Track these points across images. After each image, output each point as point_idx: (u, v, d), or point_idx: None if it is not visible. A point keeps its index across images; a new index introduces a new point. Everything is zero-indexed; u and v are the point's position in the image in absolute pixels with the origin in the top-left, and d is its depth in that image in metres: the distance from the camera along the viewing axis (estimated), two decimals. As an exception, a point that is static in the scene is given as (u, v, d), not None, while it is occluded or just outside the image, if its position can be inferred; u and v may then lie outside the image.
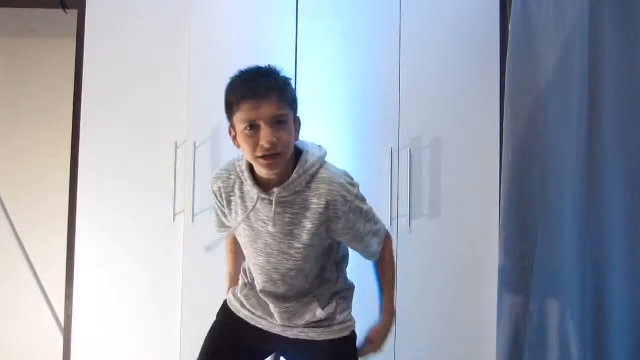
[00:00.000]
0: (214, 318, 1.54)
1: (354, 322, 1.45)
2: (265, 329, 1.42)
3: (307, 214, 1.20)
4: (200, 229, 2.06)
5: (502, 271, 1.96)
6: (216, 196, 1.33)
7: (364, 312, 1.52)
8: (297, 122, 1.22)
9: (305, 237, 1.22)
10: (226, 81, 1.89)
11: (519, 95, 1.99)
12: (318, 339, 1.39)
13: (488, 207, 2.06)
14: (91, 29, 2.16)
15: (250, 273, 1.43)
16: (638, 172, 1.91)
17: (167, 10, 2.16)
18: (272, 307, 1.38)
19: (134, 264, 2.10)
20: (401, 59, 2.10)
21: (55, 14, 2.52)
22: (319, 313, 1.36)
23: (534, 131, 2.00)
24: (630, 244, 1.89)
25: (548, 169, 1.98)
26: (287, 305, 1.36)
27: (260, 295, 1.38)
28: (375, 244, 1.38)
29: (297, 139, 1.23)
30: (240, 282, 1.49)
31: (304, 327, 1.39)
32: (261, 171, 1.18)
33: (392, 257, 1.47)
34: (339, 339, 1.40)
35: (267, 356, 1.54)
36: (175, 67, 2.14)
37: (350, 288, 1.48)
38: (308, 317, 1.38)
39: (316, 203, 1.20)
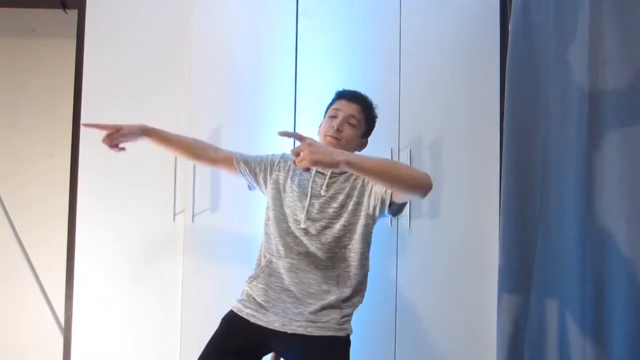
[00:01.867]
0: (214, 319, 1.56)
1: (351, 328, 1.54)
2: (264, 325, 1.48)
3: (347, 184, 1.55)
4: (200, 229, 2.06)
5: (502, 271, 1.96)
6: (282, 159, 1.65)
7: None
8: (364, 141, 1.65)
9: (341, 197, 1.52)
10: (226, 81, 1.96)
11: (518, 95, 2.00)
12: (315, 334, 1.45)
13: (488, 207, 2.06)
14: (91, 29, 2.16)
15: (269, 253, 1.55)
16: (638, 172, 1.91)
17: (168, 9, 2.17)
18: (287, 278, 1.49)
19: (133, 264, 2.10)
20: (401, 59, 2.10)
21: (55, 14, 2.52)
22: (337, 293, 1.48)
23: (534, 131, 2.00)
24: (630, 243, 1.89)
25: (548, 168, 1.99)
26: (308, 273, 1.49)
27: (285, 261, 1.50)
28: None
29: (357, 149, 1.62)
30: (246, 283, 1.57)
31: (304, 322, 1.46)
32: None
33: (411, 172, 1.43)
34: (334, 338, 1.47)
35: (262, 356, 1.56)
36: (176, 67, 2.15)
37: (360, 300, 1.58)
38: (322, 292, 1.48)
39: (358, 179, 1.54)
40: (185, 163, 2.08)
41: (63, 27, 2.52)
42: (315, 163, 1.22)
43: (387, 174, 1.32)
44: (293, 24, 2.12)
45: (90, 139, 2.14)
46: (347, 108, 1.57)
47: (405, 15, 2.11)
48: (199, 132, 2.09)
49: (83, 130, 2.15)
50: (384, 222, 2.05)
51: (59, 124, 2.54)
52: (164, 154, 2.10)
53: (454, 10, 2.11)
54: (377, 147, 2.08)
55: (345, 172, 1.54)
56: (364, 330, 2.03)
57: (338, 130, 1.53)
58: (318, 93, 2.07)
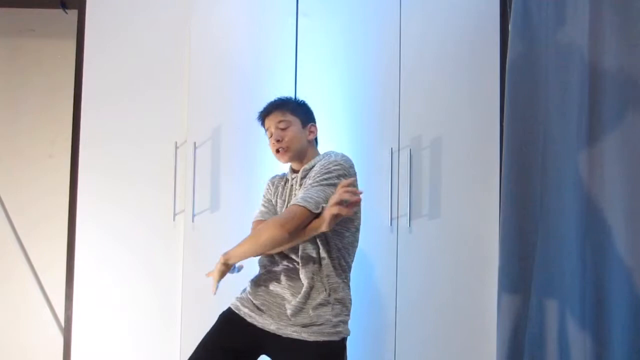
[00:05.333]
0: (214, 319, 1.56)
1: (347, 330, 1.52)
2: (260, 326, 1.49)
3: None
4: (200, 229, 2.07)
5: (502, 271, 1.96)
6: (271, 184, 1.71)
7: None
8: (310, 128, 1.65)
9: None
10: (226, 81, 1.97)
11: (518, 95, 2.00)
12: (309, 340, 1.45)
13: (488, 207, 2.06)
14: (91, 29, 2.16)
15: (266, 259, 1.59)
16: (638, 171, 1.91)
17: (168, 10, 2.17)
18: (283, 279, 1.52)
19: (134, 264, 2.10)
20: (401, 59, 2.10)
21: (55, 14, 2.53)
22: (323, 287, 1.49)
23: (533, 131, 2.00)
24: (630, 243, 1.89)
25: (548, 168, 1.99)
26: (299, 273, 1.50)
27: (280, 266, 1.54)
28: (312, 193, 1.45)
29: (310, 138, 1.64)
30: (248, 284, 1.59)
31: (298, 326, 1.46)
32: (280, 160, 1.64)
33: (287, 224, 1.43)
34: (328, 343, 1.46)
35: (256, 358, 1.55)
36: (176, 67, 2.15)
37: (348, 294, 1.56)
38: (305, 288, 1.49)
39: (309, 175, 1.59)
40: (185, 163, 2.08)
41: (63, 27, 2.53)
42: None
43: (258, 246, 1.46)
44: (293, 24, 2.12)
45: (90, 139, 2.15)
46: (271, 121, 1.63)
47: (405, 15, 2.11)
48: (199, 132, 2.09)
49: (83, 130, 2.15)
50: (384, 222, 2.05)
51: (59, 124, 2.54)
52: (164, 155, 2.11)
53: (454, 10, 2.11)
54: (377, 147, 2.09)
55: (314, 167, 1.57)
56: (364, 330, 2.03)
57: (278, 141, 1.60)
58: (318, 93, 2.07)
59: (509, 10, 2.08)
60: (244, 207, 2.05)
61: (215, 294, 1.55)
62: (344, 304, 1.52)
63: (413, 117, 2.09)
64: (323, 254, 1.50)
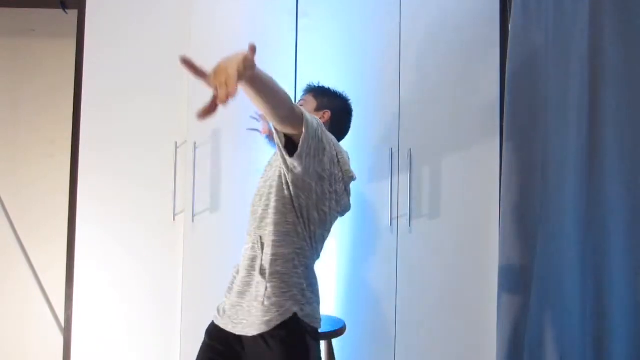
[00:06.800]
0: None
1: (288, 312, 1.30)
2: (223, 328, 1.40)
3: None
4: (200, 229, 2.06)
5: (502, 271, 1.96)
6: None
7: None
8: (325, 113, 1.60)
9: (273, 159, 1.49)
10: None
11: (519, 95, 2.00)
12: (252, 334, 1.31)
13: (488, 207, 2.06)
14: (91, 29, 2.16)
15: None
16: (638, 172, 1.91)
17: (168, 9, 2.17)
18: (240, 271, 1.42)
19: (134, 264, 2.10)
20: (401, 59, 2.10)
21: (55, 14, 2.52)
22: (261, 256, 1.36)
23: (533, 131, 2.00)
24: (630, 244, 1.89)
25: (548, 169, 1.98)
26: (246, 244, 1.43)
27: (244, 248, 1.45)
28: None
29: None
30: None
31: (244, 323, 1.34)
32: None
33: (295, 106, 1.25)
34: (261, 338, 1.30)
35: None
36: (176, 67, 2.13)
37: (297, 274, 1.36)
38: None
39: None
40: (185, 163, 2.08)
41: (63, 27, 2.52)
42: (226, 81, 0.98)
43: (274, 86, 1.20)
44: (293, 24, 2.12)
45: (90, 139, 2.15)
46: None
47: (405, 15, 2.11)
48: (199, 132, 2.09)
49: (83, 131, 2.15)
50: (384, 222, 2.05)
51: (59, 124, 2.54)
52: (164, 155, 2.11)
53: (454, 10, 2.11)
54: (377, 147, 2.09)
55: None
56: (364, 330, 2.03)
57: None
58: (318, 93, 2.07)
59: (509, 10, 2.08)
60: (243, 207, 2.04)
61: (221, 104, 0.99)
62: (284, 280, 1.30)
63: (413, 117, 2.09)
64: (268, 216, 1.37)
